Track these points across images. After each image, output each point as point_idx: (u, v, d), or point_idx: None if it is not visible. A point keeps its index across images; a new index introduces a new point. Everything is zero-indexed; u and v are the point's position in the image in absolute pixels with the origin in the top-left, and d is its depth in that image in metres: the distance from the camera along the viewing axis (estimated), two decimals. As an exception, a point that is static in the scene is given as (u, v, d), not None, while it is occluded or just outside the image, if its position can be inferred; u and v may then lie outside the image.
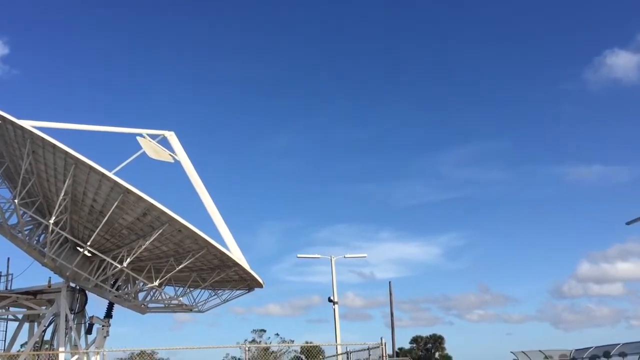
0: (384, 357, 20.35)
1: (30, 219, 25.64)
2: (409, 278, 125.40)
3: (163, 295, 27.77)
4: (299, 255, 44.89)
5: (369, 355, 21.82)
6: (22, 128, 22.43)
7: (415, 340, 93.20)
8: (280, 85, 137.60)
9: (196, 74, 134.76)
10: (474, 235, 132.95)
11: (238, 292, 29.11)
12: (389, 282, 60.06)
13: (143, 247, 23.97)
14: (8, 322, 28.12)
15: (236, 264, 25.80)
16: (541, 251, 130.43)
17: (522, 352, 48.83)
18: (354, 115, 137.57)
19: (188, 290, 28.28)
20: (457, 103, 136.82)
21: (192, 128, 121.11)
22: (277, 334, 79.67)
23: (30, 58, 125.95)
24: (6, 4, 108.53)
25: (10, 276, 27.22)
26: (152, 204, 22.64)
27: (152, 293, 27.81)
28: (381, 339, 20.92)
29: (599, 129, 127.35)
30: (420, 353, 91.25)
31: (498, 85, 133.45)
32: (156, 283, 25.33)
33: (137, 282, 26.78)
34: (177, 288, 28.64)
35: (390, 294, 59.93)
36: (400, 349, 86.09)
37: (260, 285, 28.26)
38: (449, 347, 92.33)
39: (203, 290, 28.70)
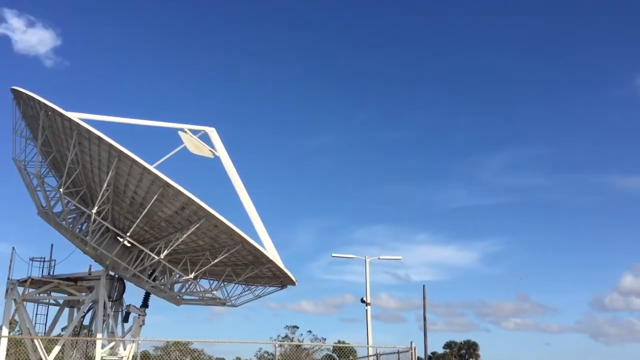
0: (413, 362, 20.34)
1: (74, 207, 26.44)
2: (445, 282, 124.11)
3: (198, 287, 28.27)
4: (333, 255, 44.97)
5: (399, 358, 21.83)
6: (69, 120, 23.21)
7: (448, 345, 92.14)
8: (323, 84, 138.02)
9: (239, 73, 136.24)
10: (513, 241, 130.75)
11: (271, 288, 29.43)
12: (423, 286, 59.71)
13: (180, 240, 24.50)
14: (49, 306, 29.03)
15: (270, 261, 26.11)
16: (583, 261, 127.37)
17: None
18: (396, 116, 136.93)
19: (222, 284, 28.73)
20: (503, 107, 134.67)
21: (233, 125, 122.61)
22: (310, 331, 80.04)
23: (82, 50, 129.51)
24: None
25: (53, 262, 28.10)
26: (190, 199, 23.13)
27: (187, 285, 28.35)
28: (411, 343, 20.93)
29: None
30: (453, 359, 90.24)
31: (545, 90, 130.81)
32: (191, 276, 25.86)
33: (173, 273, 27.33)
34: (211, 281, 29.14)
35: (424, 297, 59.46)
36: (433, 353, 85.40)
37: (292, 283, 28.50)
38: (483, 355, 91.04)
39: (237, 285, 29.10)
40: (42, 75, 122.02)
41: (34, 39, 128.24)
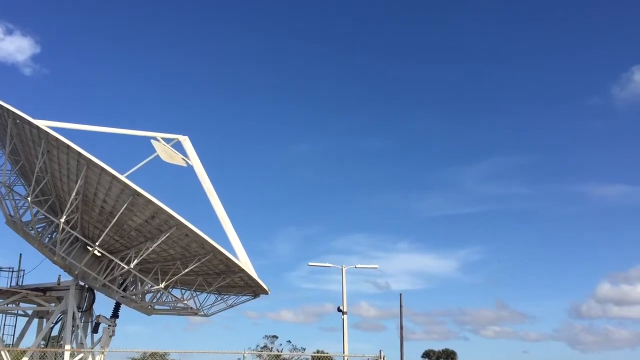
0: (382, 370, 20.35)
1: (42, 217, 26.12)
2: (424, 290, 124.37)
3: (169, 297, 28.02)
4: (310, 264, 44.84)
5: (368, 367, 21.83)
6: (37, 128, 22.95)
7: (427, 354, 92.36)
8: (302, 92, 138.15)
9: (215, 81, 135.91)
10: (492, 250, 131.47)
11: (244, 297, 29.28)
12: (400, 295, 59.88)
13: (150, 249, 24.30)
14: (18, 317, 28.60)
15: (241, 270, 25.98)
16: (560, 270, 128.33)
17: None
18: (377, 125, 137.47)
19: (194, 294, 28.51)
20: (483, 117, 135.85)
21: (212, 134, 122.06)
22: (289, 341, 79.59)
23: (61, 58, 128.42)
24: (39, 4, 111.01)
25: (21, 272, 27.72)
26: (160, 207, 22.95)
27: (158, 295, 28.09)
28: (380, 351, 20.96)
29: (625, 147, 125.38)
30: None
31: (523, 99, 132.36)
32: (162, 285, 25.62)
33: (143, 283, 27.07)
34: (183, 291, 28.91)
35: (401, 306, 59.57)
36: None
37: (265, 292, 28.38)
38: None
39: (209, 294, 28.90)
40: (20, 84, 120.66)
41: (12, 46, 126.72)
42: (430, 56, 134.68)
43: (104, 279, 25.73)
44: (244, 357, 21.09)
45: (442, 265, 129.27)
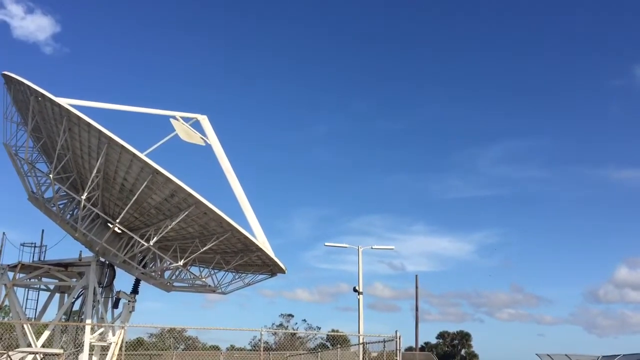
0: (398, 351, 20.50)
1: (64, 193, 26.48)
2: (440, 273, 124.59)
3: (188, 274, 28.39)
4: (326, 244, 45.25)
5: (384, 347, 22.02)
6: (59, 105, 23.20)
7: (441, 335, 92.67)
8: (320, 74, 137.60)
9: (234, 62, 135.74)
10: (508, 233, 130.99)
11: (261, 276, 29.57)
12: (416, 276, 60.10)
13: (169, 227, 24.58)
14: (40, 291, 29.14)
15: (259, 249, 26.21)
16: (578, 254, 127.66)
17: (548, 355, 48.04)
18: (394, 108, 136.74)
19: (212, 272, 28.85)
20: (500, 100, 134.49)
21: (230, 115, 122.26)
22: (305, 320, 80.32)
23: (82, 37, 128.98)
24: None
25: (43, 248, 28.15)
26: (179, 186, 23.19)
27: (177, 272, 28.46)
28: (396, 332, 21.11)
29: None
30: (446, 349, 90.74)
31: (542, 80, 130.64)
32: (181, 263, 25.96)
33: (163, 260, 27.43)
34: (201, 269, 29.26)
35: (417, 287, 59.89)
36: (426, 343, 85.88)
37: (282, 271, 28.64)
38: (476, 345, 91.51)
39: (227, 272, 29.22)
40: (41, 62, 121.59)
41: (33, 25, 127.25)
42: (447, 42, 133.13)
43: (124, 255, 26.11)
44: (261, 334, 21.40)
45: (458, 248, 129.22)
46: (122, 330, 25.47)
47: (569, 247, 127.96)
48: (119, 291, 27.80)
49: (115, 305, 27.99)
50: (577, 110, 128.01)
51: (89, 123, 22.54)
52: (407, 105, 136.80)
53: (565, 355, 47.81)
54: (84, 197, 24.47)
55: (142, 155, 22.94)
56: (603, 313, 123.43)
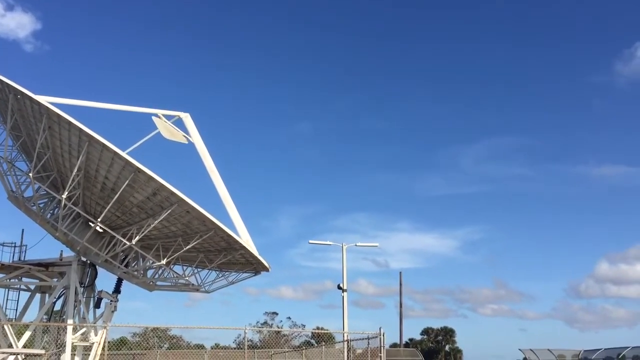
0: (382, 348, 20.54)
1: (44, 192, 26.16)
2: (424, 269, 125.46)
3: (171, 273, 28.20)
4: (310, 241, 45.38)
5: (368, 344, 22.06)
6: (39, 103, 22.87)
7: (426, 331, 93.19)
8: (304, 72, 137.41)
9: (217, 59, 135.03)
10: (491, 229, 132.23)
11: (245, 274, 29.46)
12: (400, 273, 60.38)
13: (152, 225, 24.38)
14: (20, 292, 28.76)
15: (242, 247, 26.10)
16: (559, 249, 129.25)
17: (531, 349, 48.61)
18: (378, 105, 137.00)
19: (195, 271, 28.68)
20: (483, 97, 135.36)
21: (213, 112, 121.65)
22: (289, 318, 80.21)
23: (63, 34, 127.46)
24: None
25: (24, 247, 27.80)
26: (161, 184, 22.98)
27: (160, 271, 28.26)
28: (380, 329, 21.15)
29: (627, 127, 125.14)
30: (430, 345, 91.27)
31: (524, 78, 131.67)
32: (164, 261, 25.77)
33: (145, 259, 27.21)
34: (185, 267, 29.08)
35: (400, 284, 60.18)
36: (410, 339, 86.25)
37: (266, 269, 28.55)
38: (460, 341, 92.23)
39: (210, 271, 29.06)
40: (21, 60, 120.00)
41: (13, 22, 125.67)
42: (429, 37, 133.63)
43: (106, 254, 25.86)
44: (245, 332, 21.31)
45: (441, 244, 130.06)
46: (105, 330, 25.23)
47: (551, 243, 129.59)
48: (101, 291, 27.53)
49: (97, 305, 27.72)
50: (559, 107, 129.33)
51: (69, 121, 22.24)
52: (392, 103, 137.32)
53: (548, 349, 48.38)
54: (64, 196, 24.17)
55: (123, 154, 22.70)
56: (584, 308, 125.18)
